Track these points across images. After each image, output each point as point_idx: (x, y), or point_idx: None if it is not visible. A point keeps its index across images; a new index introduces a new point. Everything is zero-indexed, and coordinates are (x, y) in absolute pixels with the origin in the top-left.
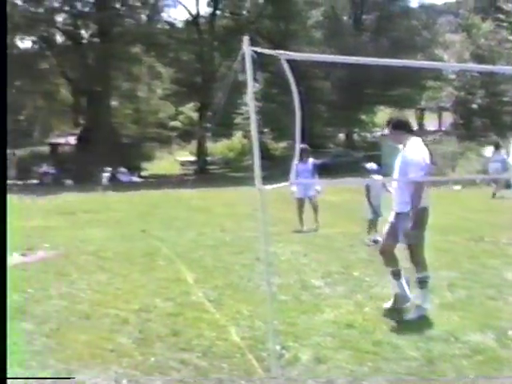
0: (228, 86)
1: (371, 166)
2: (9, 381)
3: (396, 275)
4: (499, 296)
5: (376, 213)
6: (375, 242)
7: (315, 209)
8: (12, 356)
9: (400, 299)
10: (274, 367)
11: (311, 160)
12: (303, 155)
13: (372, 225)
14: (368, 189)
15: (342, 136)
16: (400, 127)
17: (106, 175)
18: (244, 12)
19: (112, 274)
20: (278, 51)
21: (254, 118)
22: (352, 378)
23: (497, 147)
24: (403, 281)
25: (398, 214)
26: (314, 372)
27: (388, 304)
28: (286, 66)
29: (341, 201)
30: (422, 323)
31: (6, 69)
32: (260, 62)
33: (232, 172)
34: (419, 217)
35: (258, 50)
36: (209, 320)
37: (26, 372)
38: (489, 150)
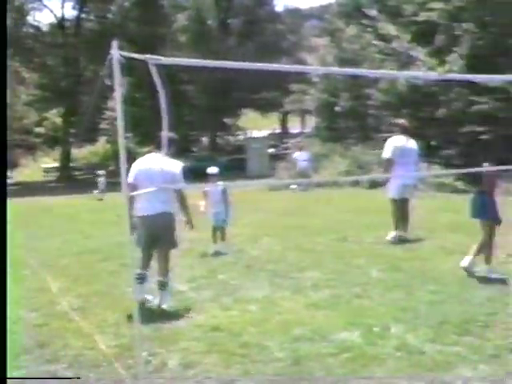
0: (96, 91)
1: (212, 170)
2: (9, 381)
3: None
4: (364, 294)
5: (217, 220)
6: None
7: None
8: None
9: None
10: (141, 374)
11: None
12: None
13: (215, 232)
14: (206, 194)
15: (205, 140)
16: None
17: None
18: (110, 15)
19: None
20: (146, 56)
21: (121, 123)
22: (220, 381)
23: (301, 149)
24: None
25: None
26: (182, 377)
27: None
28: (153, 71)
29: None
30: (288, 324)
31: (5, 69)
32: (126, 66)
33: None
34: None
35: (127, 54)
36: (74, 329)
37: (26, 372)
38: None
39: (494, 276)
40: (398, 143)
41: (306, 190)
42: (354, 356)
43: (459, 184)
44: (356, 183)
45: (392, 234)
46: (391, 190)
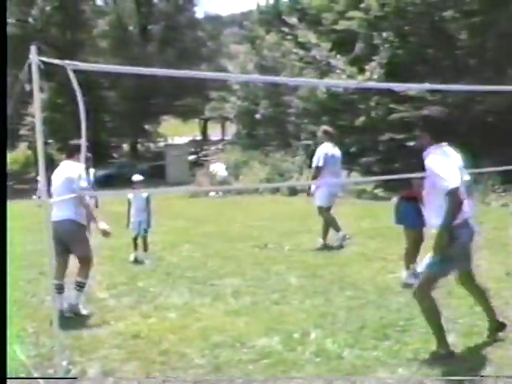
0: (15, 96)
1: (137, 177)
2: (9, 381)
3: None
4: (283, 301)
5: (139, 229)
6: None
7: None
8: None
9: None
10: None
11: (92, 171)
12: (87, 165)
13: (136, 240)
14: (129, 203)
15: (126, 146)
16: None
17: None
18: (31, 20)
19: None
20: (64, 61)
21: (40, 129)
22: None
23: (217, 161)
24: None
25: None
26: None
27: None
28: (72, 76)
29: (125, 211)
30: (208, 331)
31: (5, 68)
32: (46, 71)
33: (16, 184)
34: None
35: (45, 59)
36: None
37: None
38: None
39: (412, 281)
40: (327, 151)
41: (225, 197)
42: (274, 362)
43: (379, 191)
44: (276, 190)
45: (340, 235)
46: (319, 198)
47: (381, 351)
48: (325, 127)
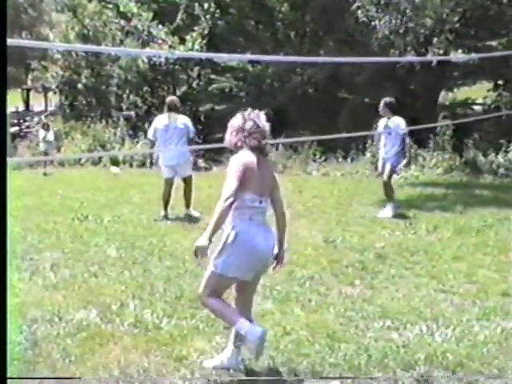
0: None
1: None
2: (9, 381)
3: None
4: (102, 273)
5: None
6: None
7: None
8: None
9: None
10: None
11: None
12: None
13: None
14: None
15: None
16: None
17: None
18: None
19: None
20: None
21: None
22: None
23: (47, 128)
24: None
25: None
26: None
27: None
28: None
29: None
30: (26, 306)
31: (5, 69)
32: None
33: None
34: None
35: None
36: None
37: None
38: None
39: None
40: (157, 123)
41: (51, 169)
42: (91, 335)
43: (199, 161)
44: (98, 161)
45: (161, 213)
46: (163, 171)
47: (198, 320)
48: (170, 97)
